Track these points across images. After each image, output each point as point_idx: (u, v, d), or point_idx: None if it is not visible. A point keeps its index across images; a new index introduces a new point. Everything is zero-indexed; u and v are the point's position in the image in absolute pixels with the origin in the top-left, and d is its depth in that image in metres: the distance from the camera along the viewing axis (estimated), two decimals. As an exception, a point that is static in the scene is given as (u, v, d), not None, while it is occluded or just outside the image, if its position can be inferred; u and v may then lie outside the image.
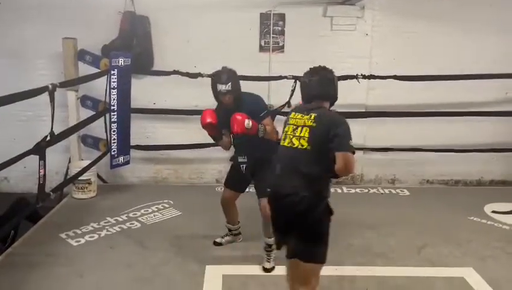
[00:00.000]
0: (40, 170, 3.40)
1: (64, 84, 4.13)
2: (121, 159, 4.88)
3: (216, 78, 3.29)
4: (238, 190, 3.64)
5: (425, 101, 5.41)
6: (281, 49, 5.39)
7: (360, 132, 5.53)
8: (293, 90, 4.95)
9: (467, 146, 5.42)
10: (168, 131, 5.47)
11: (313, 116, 2.48)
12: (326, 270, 3.40)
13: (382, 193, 5.31)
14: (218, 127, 3.35)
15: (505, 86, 5.42)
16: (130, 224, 4.29)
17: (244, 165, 3.45)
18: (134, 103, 5.10)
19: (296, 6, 5.27)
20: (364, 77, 5.09)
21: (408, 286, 3.26)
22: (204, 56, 5.22)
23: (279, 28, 5.34)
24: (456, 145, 5.44)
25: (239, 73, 5.05)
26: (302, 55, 5.29)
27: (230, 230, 3.85)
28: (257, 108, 3.29)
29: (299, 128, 2.50)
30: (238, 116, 3.08)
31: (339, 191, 5.36)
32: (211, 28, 5.27)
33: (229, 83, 3.22)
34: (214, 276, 3.35)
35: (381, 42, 5.38)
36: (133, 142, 5.20)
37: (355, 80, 5.06)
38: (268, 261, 3.43)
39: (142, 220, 4.40)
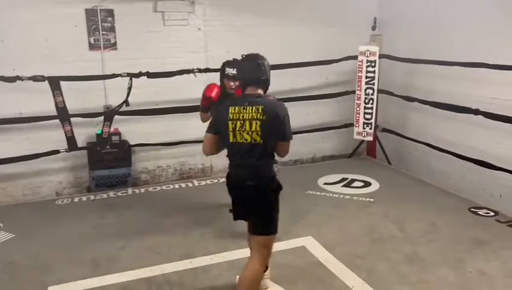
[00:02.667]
0: None
1: None
2: None
3: (226, 63, 3.71)
4: None
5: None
6: (113, 46, 5.13)
7: (203, 125, 5.66)
8: (129, 88, 4.78)
9: (299, 128, 6.00)
10: (-12, 145, 4.77)
11: (260, 109, 2.58)
12: (180, 265, 3.49)
13: (230, 181, 5.52)
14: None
15: (325, 72, 6.11)
16: None
17: None
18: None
19: (124, 1, 5.07)
20: (200, 70, 5.19)
21: (258, 264, 3.47)
22: (24, 57, 4.70)
23: (109, 25, 5.08)
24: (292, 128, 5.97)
25: (67, 74, 4.75)
26: (136, 51, 5.17)
27: None
28: None
29: (247, 123, 2.59)
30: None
31: (190, 185, 5.42)
32: (30, 25, 4.74)
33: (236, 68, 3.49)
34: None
35: (215, 36, 5.54)
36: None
37: (192, 75, 5.16)
38: None
39: (-36, 251, 3.78)
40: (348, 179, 5.40)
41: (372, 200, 4.77)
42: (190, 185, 5.42)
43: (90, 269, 3.45)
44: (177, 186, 5.39)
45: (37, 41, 4.77)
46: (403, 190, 5.09)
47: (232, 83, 3.65)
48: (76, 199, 4.87)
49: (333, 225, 4.17)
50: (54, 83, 4.55)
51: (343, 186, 5.19)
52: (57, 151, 4.84)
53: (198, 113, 5.46)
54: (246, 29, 5.67)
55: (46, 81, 4.60)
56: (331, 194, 4.94)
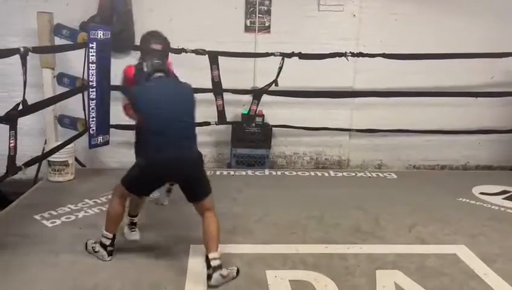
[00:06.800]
0: (11, 141, 3.16)
1: (37, 50, 3.85)
2: (100, 138, 4.62)
3: None
4: None
5: (412, 85, 5.31)
6: (267, 29, 5.24)
7: (346, 116, 5.49)
8: (280, 68, 4.82)
9: (453, 130, 5.40)
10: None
11: None
12: (315, 248, 3.35)
13: (370, 177, 5.20)
14: None
15: (491, 69, 5.40)
16: (110, 206, 4.08)
17: None
18: (115, 80, 4.88)
19: (282, -15, 5.14)
20: (353, 54, 4.96)
21: (400, 262, 3.16)
22: (187, 36, 5.03)
23: (266, 8, 5.19)
24: (442, 129, 5.41)
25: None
26: (288, 36, 5.18)
27: None
28: None
29: None
30: None
31: (326, 174, 5.26)
32: (195, 6, 5.10)
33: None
34: (197, 255, 3.18)
35: (369, 24, 5.29)
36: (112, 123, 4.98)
37: (342, 62, 4.96)
38: None
39: (123, 201, 4.19)
40: (511, 192, 4.65)
41: (542, 219, 4.01)
42: (326, 174, 5.26)
43: (229, 235, 3.50)
44: (312, 174, 5.27)
45: (200, 21, 5.09)
46: None
47: None
48: (218, 173, 5.08)
49: (492, 237, 3.59)
50: (213, 57, 4.80)
51: (505, 198, 4.47)
52: (207, 123, 5.07)
53: (341, 102, 5.32)
54: (403, 18, 5.31)
55: (206, 56, 4.85)
56: (489, 205, 4.29)
